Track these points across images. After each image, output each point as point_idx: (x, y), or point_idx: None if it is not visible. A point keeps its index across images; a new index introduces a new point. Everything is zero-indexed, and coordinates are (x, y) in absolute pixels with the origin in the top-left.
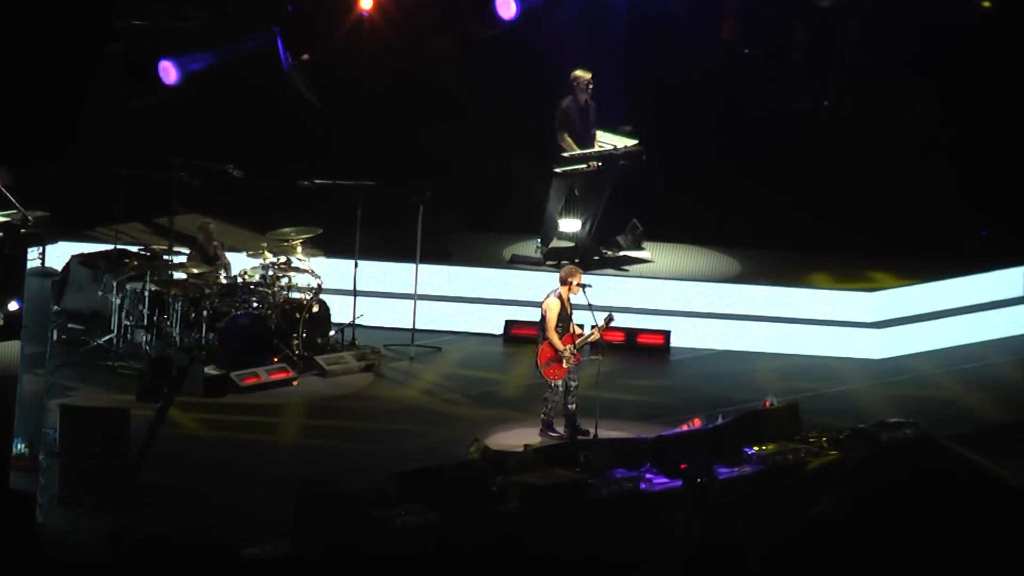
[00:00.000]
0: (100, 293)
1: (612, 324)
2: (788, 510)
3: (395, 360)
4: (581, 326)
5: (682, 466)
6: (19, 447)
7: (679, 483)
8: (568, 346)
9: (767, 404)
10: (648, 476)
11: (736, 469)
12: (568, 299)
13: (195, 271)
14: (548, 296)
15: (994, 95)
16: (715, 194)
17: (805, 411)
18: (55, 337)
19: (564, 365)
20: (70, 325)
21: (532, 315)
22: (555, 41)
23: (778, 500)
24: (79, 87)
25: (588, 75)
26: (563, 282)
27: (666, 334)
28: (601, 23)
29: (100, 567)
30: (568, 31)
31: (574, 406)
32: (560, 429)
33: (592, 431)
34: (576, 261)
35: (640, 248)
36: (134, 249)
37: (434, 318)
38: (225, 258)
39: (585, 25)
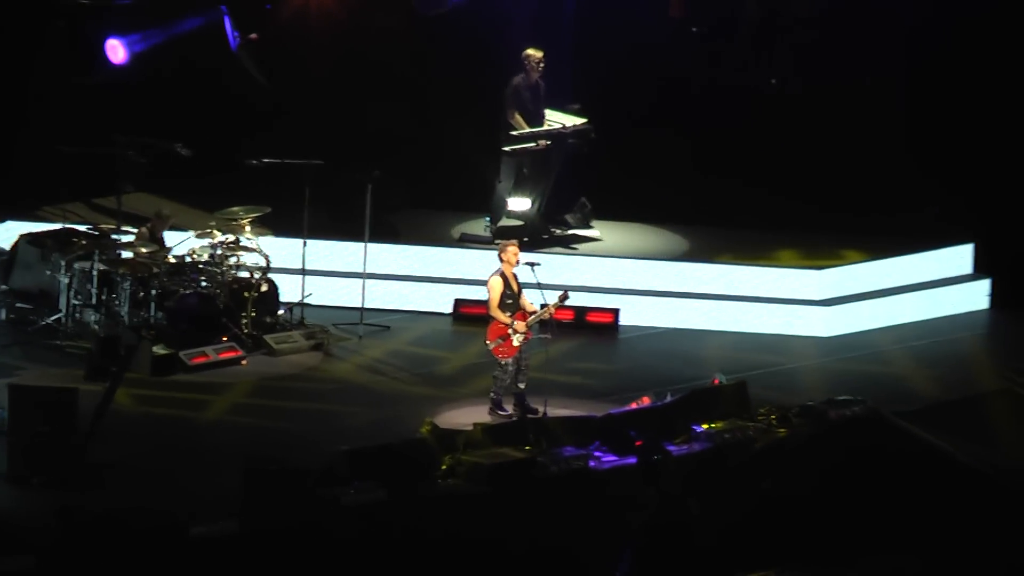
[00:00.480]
0: (48, 272)
1: (567, 302)
2: (738, 487)
3: (344, 339)
4: (540, 305)
5: (637, 443)
6: None
7: (629, 461)
8: (519, 322)
9: (715, 382)
10: (597, 454)
11: (685, 447)
12: (513, 276)
13: (143, 250)
14: (491, 275)
15: (947, 69)
16: (663, 172)
17: (754, 389)
18: (3, 316)
19: (515, 343)
20: (18, 304)
21: (481, 294)
22: (503, 18)
23: (727, 478)
24: (24, 65)
25: (540, 54)
26: (499, 257)
27: (615, 312)
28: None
29: (48, 545)
30: (516, 8)
31: (523, 385)
32: (509, 408)
33: (541, 409)
34: (525, 240)
35: (589, 226)
36: (82, 228)
37: (383, 297)
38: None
39: (533, 2)
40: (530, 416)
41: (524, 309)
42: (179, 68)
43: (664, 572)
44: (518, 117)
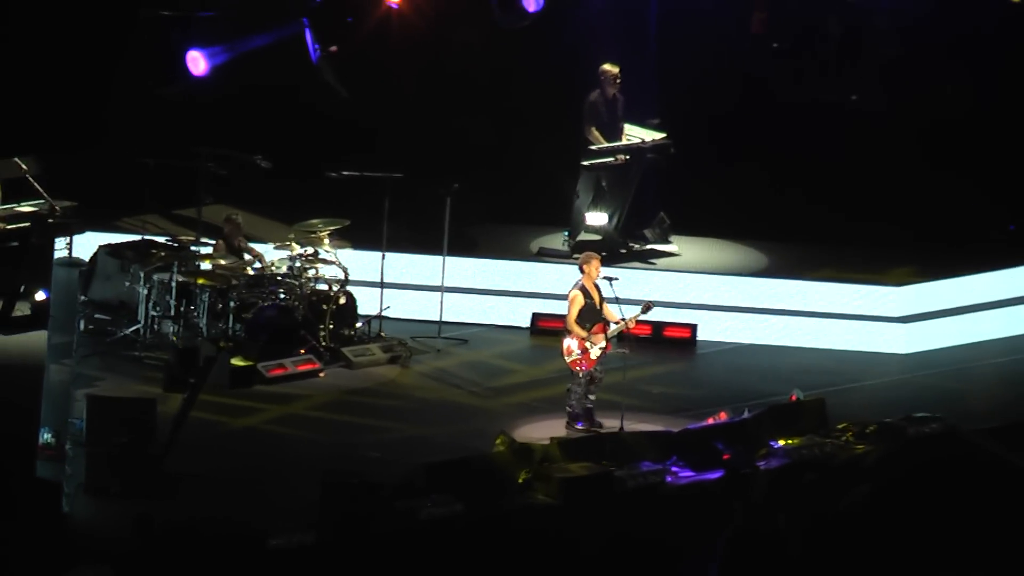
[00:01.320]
0: (127, 283)
1: (648, 313)
2: (817, 503)
3: (422, 352)
4: (620, 319)
5: (725, 456)
6: (45, 437)
7: (707, 476)
8: (598, 335)
9: (793, 398)
10: (675, 469)
11: (763, 462)
12: (596, 288)
13: (222, 262)
14: (572, 287)
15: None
16: (743, 188)
17: (832, 405)
18: (82, 327)
19: (592, 355)
20: (97, 315)
21: (559, 308)
22: (585, 33)
23: (805, 493)
24: (106, 76)
25: (616, 69)
26: (580, 269)
27: (693, 327)
28: (631, 16)
29: (126, 555)
30: (598, 23)
31: (594, 398)
32: (586, 422)
33: (618, 424)
34: (603, 254)
35: (667, 242)
36: (161, 240)
37: (461, 310)
38: (253, 250)
39: (615, 17)
40: (607, 431)
41: (606, 321)
42: (260, 80)
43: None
44: (595, 132)
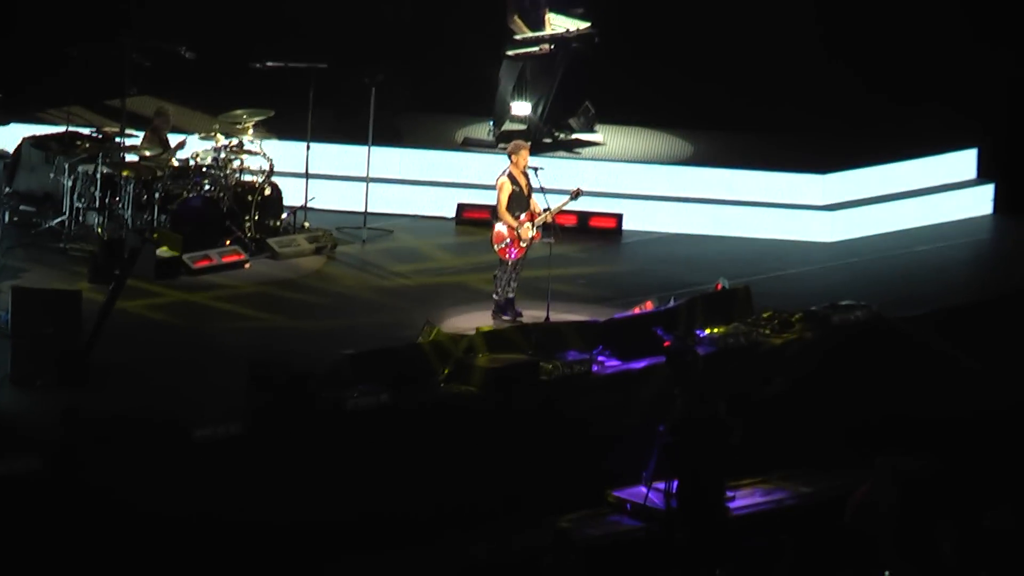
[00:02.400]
0: (52, 175)
1: (577, 200)
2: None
3: (347, 243)
4: (544, 208)
5: (665, 343)
6: None
7: (633, 365)
8: (526, 223)
9: (719, 287)
10: (600, 359)
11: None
12: (524, 177)
13: (147, 153)
14: (499, 175)
15: None
16: (667, 76)
17: (757, 294)
18: (6, 219)
19: (521, 244)
20: (22, 207)
21: (485, 197)
22: None
23: (736, 380)
24: None
25: None
26: (508, 157)
27: (619, 217)
28: None
29: (53, 446)
30: None
31: (514, 287)
32: (511, 313)
33: (543, 314)
34: (529, 143)
35: (592, 131)
36: (86, 131)
37: (386, 201)
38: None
39: None
40: (533, 321)
41: (532, 211)
42: None
43: (696, 469)
44: (518, 20)
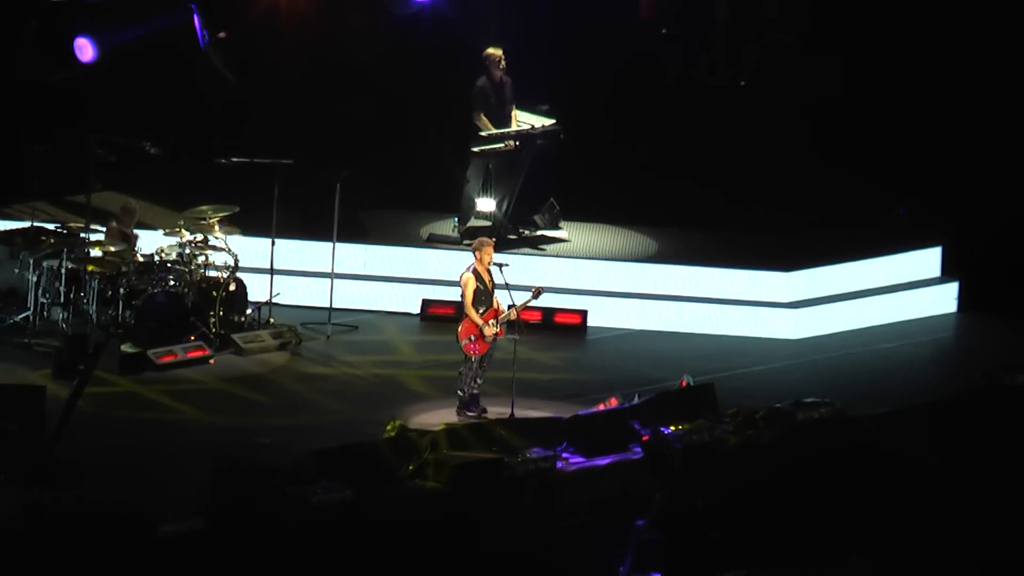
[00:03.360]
0: (16, 270)
1: (539, 299)
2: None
3: (312, 338)
4: (502, 305)
5: (644, 437)
6: None
7: (597, 462)
8: (490, 321)
9: (683, 383)
10: (565, 455)
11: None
12: (488, 274)
13: (112, 249)
14: (464, 271)
15: (912, 72)
16: (632, 174)
17: (721, 391)
18: None
19: (485, 340)
20: None
21: (449, 294)
22: (473, 18)
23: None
24: None
25: (499, 52)
26: (473, 254)
27: (583, 313)
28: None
29: (16, 542)
30: (486, 8)
31: (480, 382)
32: (475, 409)
33: (508, 411)
34: (493, 240)
35: (557, 228)
36: (51, 226)
37: (351, 297)
38: (133, 237)
39: (504, 2)
40: (497, 417)
41: (496, 307)
42: (148, 66)
43: (674, 565)
44: (483, 119)
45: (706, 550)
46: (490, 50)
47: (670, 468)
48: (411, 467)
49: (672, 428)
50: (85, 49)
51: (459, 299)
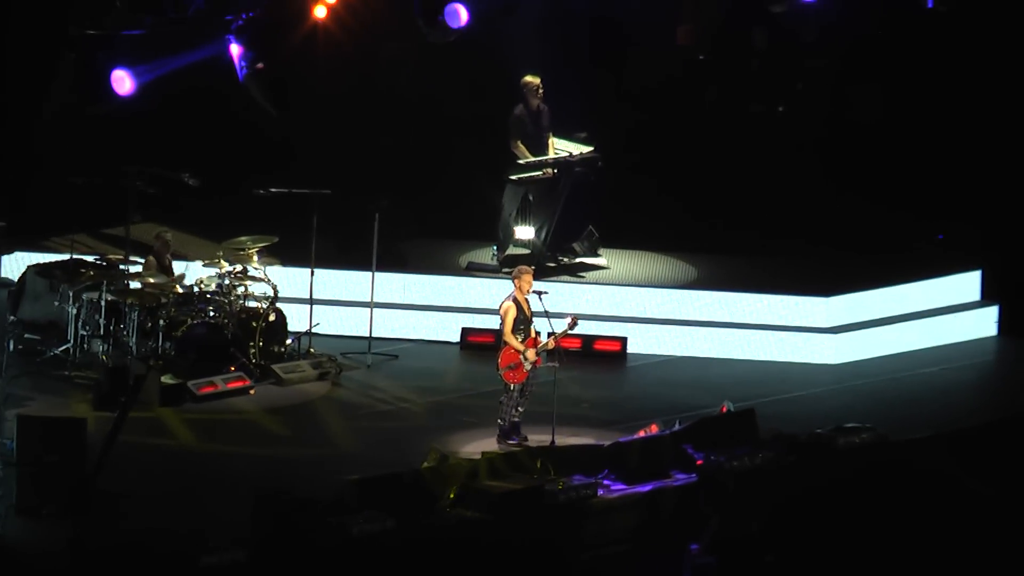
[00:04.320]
0: (56, 303)
1: (575, 328)
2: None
3: (352, 368)
4: (539, 333)
5: (698, 462)
6: None
7: (639, 488)
8: (530, 349)
9: (724, 410)
10: (606, 482)
11: (695, 474)
12: (527, 302)
13: (151, 280)
14: (504, 300)
15: (950, 97)
16: (669, 201)
17: (762, 416)
18: (11, 347)
19: (525, 368)
20: (27, 335)
21: (488, 322)
22: (514, 47)
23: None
24: (34, 95)
25: (537, 80)
26: (514, 283)
27: (623, 340)
28: (559, 28)
29: (60, 575)
30: (526, 37)
31: (522, 411)
32: (516, 437)
33: (549, 438)
34: (532, 268)
35: (596, 255)
36: (90, 259)
37: (391, 326)
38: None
39: (542, 30)
40: (538, 444)
41: (534, 337)
42: (187, 98)
43: None
44: (520, 146)
45: (762, 574)
46: (528, 78)
47: (724, 492)
48: (452, 495)
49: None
50: (123, 82)
51: (498, 327)
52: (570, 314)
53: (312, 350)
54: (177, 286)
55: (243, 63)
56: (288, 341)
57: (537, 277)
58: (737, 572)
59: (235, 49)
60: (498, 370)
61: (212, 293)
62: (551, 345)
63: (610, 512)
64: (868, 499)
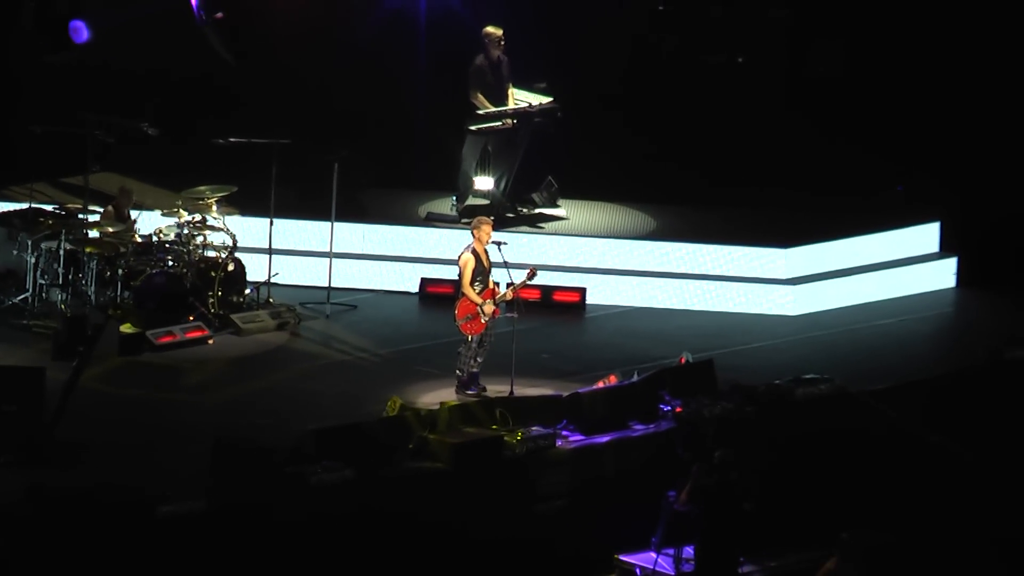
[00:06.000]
0: (15, 252)
1: (534, 279)
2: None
3: (311, 318)
4: (498, 283)
5: (677, 409)
6: None
7: (597, 440)
8: (487, 300)
9: (682, 361)
10: (564, 433)
11: (652, 426)
12: (485, 253)
13: (110, 229)
14: (463, 251)
15: (911, 48)
16: (628, 151)
17: (721, 368)
18: None
19: (482, 320)
20: None
21: (447, 273)
22: None
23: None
24: None
25: (499, 31)
26: (473, 234)
27: (582, 291)
28: None
29: (17, 524)
30: None
31: (481, 361)
32: (476, 388)
33: (508, 389)
34: (492, 219)
35: (555, 205)
36: (49, 208)
37: (350, 276)
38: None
39: None
40: (497, 395)
41: (492, 288)
42: (147, 47)
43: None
44: (480, 97)
45: (741, 522)
46: (489, 28)
47: (703, 440)
48: (411, 446)
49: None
50: (80, 31)
51: (457, 278)
52: (529, 265)
53: (271, 300)
54: (136, 235)
55: (201, 12)
56: (247, 291)
57: (496, 228)
58: (717, 520)
59: None
60: (455, 321)
61: (171, 242)
62: (510, 296)
63: (567, 463)
64: (827, 449)
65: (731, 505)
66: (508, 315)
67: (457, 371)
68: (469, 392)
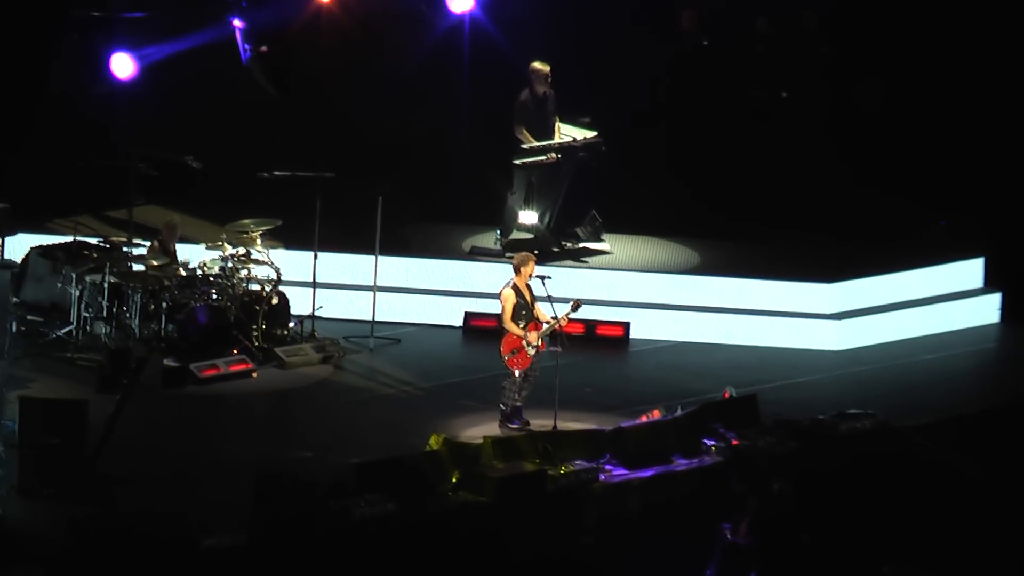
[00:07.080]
0: (59, 285)
1: (578, 311)
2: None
3: (354, 352)
4: (551, 317)
5: (733, 442)
6: None
7: (640, 474)
8: (532, 332)
9: (726, 395)
10: (607, 467)
11: (695, 460)
12: (528, 288)
13: (154, 263)
14: (504, 286)
15: (955, 84)
16: (673, 186)
17: (764, 402)
18: (14, 329)
19: (528, 354)
20: (29, 317)
21: (491, 306)
22: (516, 32)
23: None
24: (36, 77)
25: (546, 67)
26: (515, 270)
27: (625, 325)
28: (563, 14)
29: (59, 557)
30: (529, 22)
31: (525, 394)
32: (519, 421)
33: (551, 423)
34: (535, 253)
35: (599, 240)
36: (93, 241)
37: (393, 310)
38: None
39: (546, 15)
40: (540, 429)
41: (538, 320)
42: (191, 81)
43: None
44: (525, 132)
45: (798, 554)
46: (537, 64)
47: (757, 472)
48: (454, 480)
49: (714, 440)
50: (124, 65)
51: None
52: (573, 298)
53: (315, 333)
54: (180, 269)
55: (246, 46)
56: (291, 324)
57: (540, 261)
58: (775, 552)
59: (238, 31)
60: (501, 357)
61: (215, 276)
62: (555, 327)
63: (611, 496)
64: (870, 484)
65: (789, 537)
66: (552, 349)
67: (501, 405)
68: (512, 426)
